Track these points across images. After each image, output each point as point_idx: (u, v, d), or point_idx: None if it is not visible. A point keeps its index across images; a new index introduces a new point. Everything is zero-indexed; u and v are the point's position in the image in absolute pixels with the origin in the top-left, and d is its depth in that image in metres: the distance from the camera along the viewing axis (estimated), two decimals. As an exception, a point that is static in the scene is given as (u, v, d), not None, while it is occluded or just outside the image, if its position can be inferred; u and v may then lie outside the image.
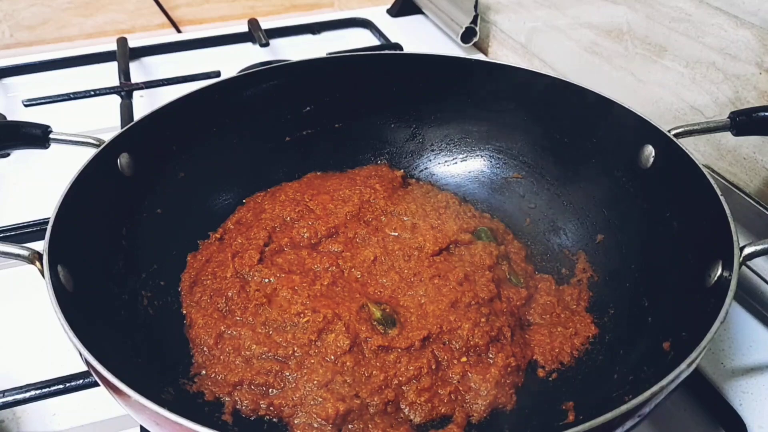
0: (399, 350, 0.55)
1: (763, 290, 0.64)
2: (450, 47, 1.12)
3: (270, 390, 0.53)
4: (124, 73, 0.98)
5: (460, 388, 0.54)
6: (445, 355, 0.55)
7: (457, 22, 1.08)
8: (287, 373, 0.54)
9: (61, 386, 0.53)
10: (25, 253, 0.49)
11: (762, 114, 0.59)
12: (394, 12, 1.23)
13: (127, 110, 0.88)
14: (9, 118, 0.92)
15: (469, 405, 0.53)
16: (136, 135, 0.63)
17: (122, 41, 1.06)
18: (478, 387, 0.54)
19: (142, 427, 0.51)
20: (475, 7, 1.05)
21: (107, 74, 1.01)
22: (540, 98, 0.71)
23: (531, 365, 0.57)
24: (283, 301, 0.59)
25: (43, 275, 0.47)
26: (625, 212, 0.64)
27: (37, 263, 0.48)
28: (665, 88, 0.76)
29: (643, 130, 0.62)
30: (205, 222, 0.69)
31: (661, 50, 0.76)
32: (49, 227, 0.50)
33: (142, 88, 0.95)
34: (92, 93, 0.93)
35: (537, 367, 0.57)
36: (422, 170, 0.77)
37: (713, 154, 0.72)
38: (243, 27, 1.11)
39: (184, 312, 0.60)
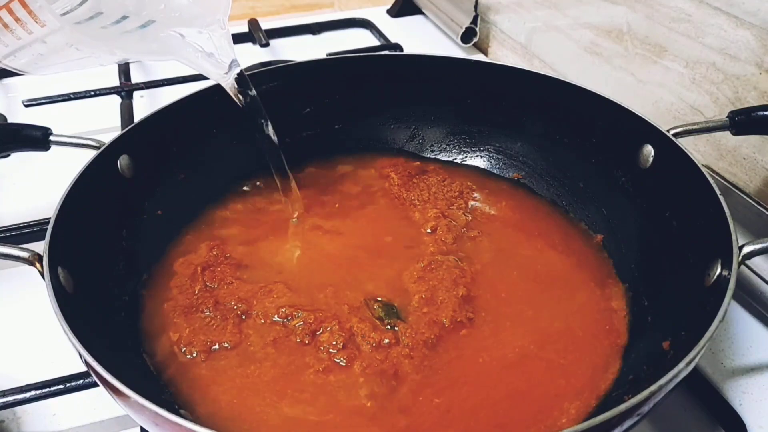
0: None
1: (762, 290, 0.64)
2: (450, 47, 1.12)
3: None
4: (125, 73, 0.98)
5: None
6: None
7: (457, 22, 1.08)
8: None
9: (61, 386, 0.53)
10: (26, 254, 0.49)
11: (761, 113, 0.59)
12: (394, 12, 1.23)
13: (127, 110, 0.88)
14: (9, 119, 0.92)
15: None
16: (135, 137, 0.63)
17: (122, 42, 1.06)
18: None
19: (142, 428, 0.51)
20: (475, 7, 1.05)
21: (107, 74, 1.01)
22: (540, 98, 0.71)
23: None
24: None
25: (43, 277, 0.47)
26: (625, 212, 0.64)
27: (38, 265, 0.48)
28: (665, 88, 0.77)
29: (642, 129, 0.62)
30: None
31: (661, 50, 0.76)
32: (49, 230, 0.50)
33: (142, 88, 0.95)
34: (92, 93, 0.93)
35: (537, 367, 0.57)
36: (422, 170, 0.77)
37: (713, 154, 0.72)
38: (243, 27, 1.11)
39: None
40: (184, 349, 0.55)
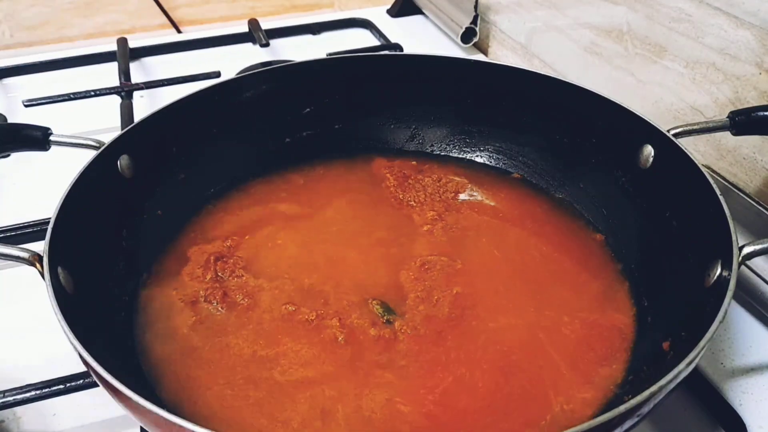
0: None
1: (763, 290, 0.64)
2: (450, 47, 1.12)
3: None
4: (125, 73, 0.98)
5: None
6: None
7: (457, 22, 1.08)
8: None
9: (61, 386, 0.53)
10: (25, 255, 0.49)
11: (761, 113, 0.59)
12: (394, 12, 1.23)
13: (127, 110, 0.88)
14: (9, 119, 0.92)
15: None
16: (135, 137, 0.63)
17: (122, 41, 1.06)
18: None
19: (142, 428, 0.51)
20: (475, 7, 1.05)
21: (107, 74, 1.01)
22: (540, 98, 0.71)
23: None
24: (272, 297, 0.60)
25: (43, 277, 0.47)
26: (625, 212, 0.64)
27: (38, 265, 0.48)
28: (665, 88, 0.77)
29: (642, 130, 0.62)
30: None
31: (661, 50, 0.76)
32: (49, 230, 0.50)
33: (142, 89, 0.95)
34: (92, 93, 0.93)
35: (537, 367, 0.57)
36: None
37: (713, 154, 0.72)
38: (243, 27, 1.11)
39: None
40: (186, 337, 0.56)
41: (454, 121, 0.77)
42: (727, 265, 0.48)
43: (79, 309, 0.48)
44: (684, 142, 0.58)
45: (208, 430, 0.37)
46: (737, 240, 0.49)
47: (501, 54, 1.09)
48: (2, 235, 0.70)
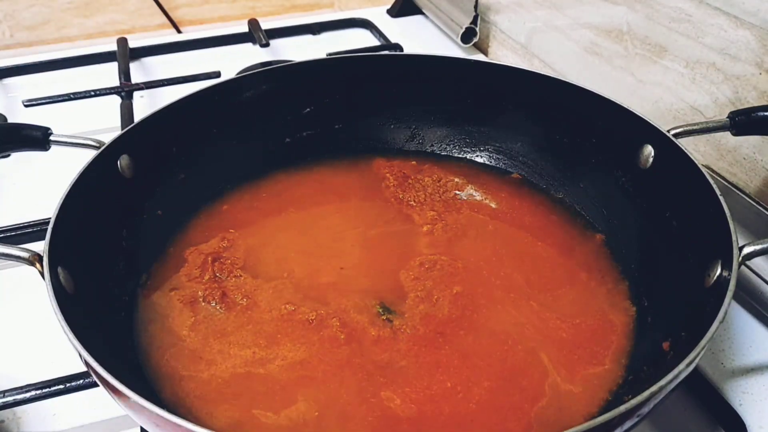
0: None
1: (763, 290, 0.64)
2: (450, 47, 1.12)
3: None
4: (125, 73, 0.98)
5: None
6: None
7: (457, 22, 1.08)
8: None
9: (61, 386, 0.53)
10: (26, 255, 0.49)
11: (761, 114, 0.59)
12: (394, 12, 1.23)
13: (127, 110, 0.88)
14: (9, 119, 0.92)
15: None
16: (135, 137, 0.63)
17: (122, 41, 1.06)
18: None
19: (142, 428, 0.51)
20: (475, 7, 1.05)
21: (107, 74, 1.01)
22: (540, 98, 0.71)
23: (531, 365, 0.57)
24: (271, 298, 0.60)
25: (43, 277, 0.47)
26: (625, 212, 0.64)
27: (38, 265, 0.48)
28: (665, 88, 0.77)
29: (642, 130, 0.62)
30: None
31: (661, 50, 0.76)
32: (49, 230, 0.50)
33: (142, 89, 0.95)
34: (92, 93, 0.93)
35: (537, 367, 0.57)
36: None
37: (713, 154, 0.72)
38: (243, 27, 1.11)
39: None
40: (185, 337, 0.56)
41: (454, 121, 0.77)
42: (727, 265, 0.48)
43: (79, 309, 0.48)
44: (684, 142, 0.58)
45: (208, 430, 0.37)
46: (737, 240, 0.49)
47: (501, 54, 1.09)
48: (2, 235, 0.70)
